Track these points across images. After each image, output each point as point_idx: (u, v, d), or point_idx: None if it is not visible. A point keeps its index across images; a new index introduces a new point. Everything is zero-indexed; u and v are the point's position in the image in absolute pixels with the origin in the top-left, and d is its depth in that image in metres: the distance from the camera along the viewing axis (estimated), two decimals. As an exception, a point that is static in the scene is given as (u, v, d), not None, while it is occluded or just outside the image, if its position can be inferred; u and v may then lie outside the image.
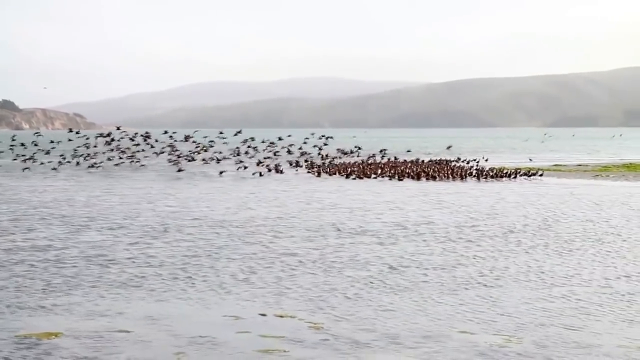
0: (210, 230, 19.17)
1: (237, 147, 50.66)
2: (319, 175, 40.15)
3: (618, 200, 27.15)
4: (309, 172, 42.31)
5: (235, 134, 51.16)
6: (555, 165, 51.37)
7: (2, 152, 55.08)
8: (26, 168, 44.61)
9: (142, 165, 48.43)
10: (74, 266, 14.46)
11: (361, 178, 38.23)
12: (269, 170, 41.96)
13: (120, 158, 49.50)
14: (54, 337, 9.81)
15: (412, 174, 38.53)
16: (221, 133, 52.49)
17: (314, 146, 51.69)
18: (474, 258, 15.35)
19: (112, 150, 50.59)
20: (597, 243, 17.27)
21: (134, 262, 14.94)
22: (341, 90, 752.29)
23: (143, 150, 50.89)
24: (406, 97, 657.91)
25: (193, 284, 13.00)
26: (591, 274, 13.77)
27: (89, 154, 49.61)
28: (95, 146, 51.20)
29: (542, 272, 13.89)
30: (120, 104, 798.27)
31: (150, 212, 23.03)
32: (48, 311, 11.15)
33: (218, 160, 46.74)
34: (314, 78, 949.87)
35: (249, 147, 50.79)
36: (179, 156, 48.48)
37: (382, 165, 43.26)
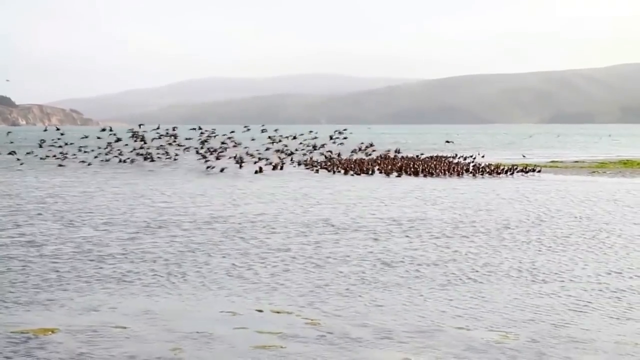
0: (203, 226, 19.19)
1: (269, 143, 49.97)
2: (317, 172, 40.15)
3: (613, 196, 27.20)
4: (307, 168, 42.31)
5: (262, 131, 50.71)
6: (552, 161, 51.42)
7: (30, 152, 54.42)
8: (61, 165, 44.75)
9: (175, 160, 48.55)
10: (69, 261, 14.48)
11: (359, 174, 38.25)
12: (274, 167, 41.86)
13: (150, 154, 49.33)
14: (50, 332, 9.81)
15: (409, 170, 38.57)
16: (246, 127, 51.67)
17: (333, 142, 51.19)
18: (466, 254, 15.42)
19: (141, 147, 50.40)
20: (589, 239, 17.34)
21: (127, 257, 14.96)
22: (337, 87, 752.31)
23: (178, 148, 50.66)
24: (402, 94, 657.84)
25: (188, 279, 13.03)
26: (582, 269, 13.86)
27: (121, 151, 49.81)
28: (126, 144, 51.25)
29: (534, 268, 13.97)
30: (117, 100, 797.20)
31: (145, 208, 23.04)
32: (43, 306, 11.16)
33: (241, 161, 44.81)
34: (310, 74, 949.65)
35: (273, 142, 50.08)
36: (211, 152, 48.04)
37: (380, 162, 43.32)
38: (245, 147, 49.20)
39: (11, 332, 9.85)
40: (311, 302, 11.48)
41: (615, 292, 12.13)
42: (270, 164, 42.75)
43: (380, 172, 38.77)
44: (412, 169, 38.58)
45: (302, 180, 34.55)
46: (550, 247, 16.31)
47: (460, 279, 13.05)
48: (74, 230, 18.49)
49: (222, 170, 40.23)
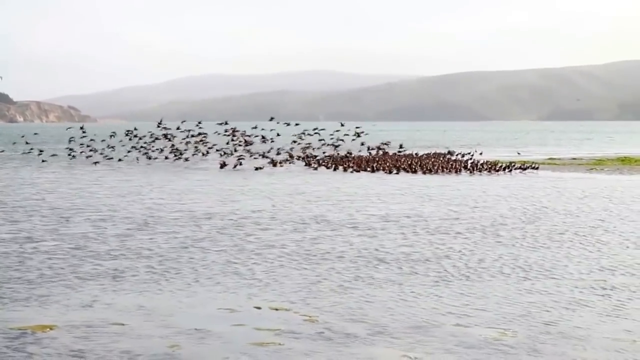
0: (198, 223, 19.24)
1: (298, 142, 49.27)
2: (316, 169, 40.18)
3: (609, 193, 27.22)
4: (306, 165, 42.32)
5: (286, 124, 50.47)
6: (550, 158, 51.46)
7: (69, 148, 53.95)
8: (96, 162, 44.91)
9: (206, 157, 48.57)
10: (64, 258, 14.51)
11: (358, 172, 38.28)
12: (274, 165, 41.82)
13: (180, 152, 49.07)
14: (48, 329, 9.84)
15: (406, 167, 38.61)
16: (272, 120, 50.89)
17: (362, 142, 50.68)
18: (459, 251, 15.46)
19: (172, 145, 50.14)
20: (581, 236, 17.38)
21: (123, 253, 15.01)
22: (336, 83, 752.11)
23: (209, 145, 50.61)
24: (401, 91, 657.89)
25: (184, 276, 13.06)
26: (574, 266, 13.88)
27: (152, 148, 49.89)
28: (153, 141, 51.21)
29: (526, 265, 14.00)
30: (115, 97, 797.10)
31: (140, 205, 23.05)
32: (39, 303, 11.19)
33: (273, 162, 43.30)
34: (309, 71, 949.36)
35: (298, 139, 49.40)
36: (245, 149, 47.78)
37: (378, 159, 43.38)
38: (273, 141, 48.99)
39: (10, 329, 9.87)
40: (307, 298, 11.52)
41: (607, 289, 12.16)
42: (273, 161, 42.73)
43: (379, 170, 38.79)
44: (411, 166, 38.62)
45: (298, 177, 34.60)
46: (543, 243, 16.34)
47: (453, 276, 13.09)
48: (69, 226, 18.50)
49: (221, 166, 40.24)
